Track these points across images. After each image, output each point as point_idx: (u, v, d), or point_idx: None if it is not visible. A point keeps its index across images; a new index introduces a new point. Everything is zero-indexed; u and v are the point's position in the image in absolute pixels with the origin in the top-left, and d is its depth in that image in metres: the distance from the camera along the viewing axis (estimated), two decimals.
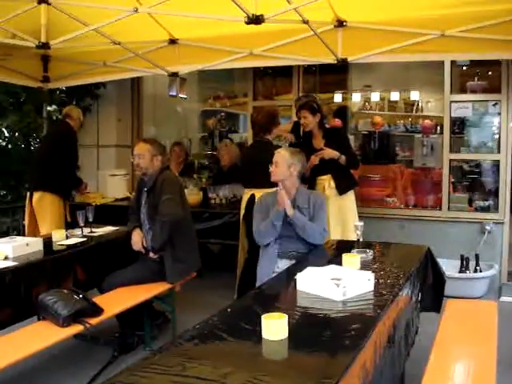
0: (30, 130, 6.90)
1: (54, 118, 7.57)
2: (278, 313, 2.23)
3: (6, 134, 7.44)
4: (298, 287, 2.83)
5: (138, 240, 4.44)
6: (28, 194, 5.82)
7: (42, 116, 6.93)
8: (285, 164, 3.97)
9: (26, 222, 5.90)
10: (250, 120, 5.74)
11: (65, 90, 7.49)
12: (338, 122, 7.18)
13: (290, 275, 3.11)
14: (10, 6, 4.39)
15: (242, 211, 5.18)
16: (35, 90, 6.69)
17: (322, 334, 2.23)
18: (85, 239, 4.53)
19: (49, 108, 7.14)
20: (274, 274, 3.70)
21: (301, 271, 2.91)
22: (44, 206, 5.66)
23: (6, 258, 3.83)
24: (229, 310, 2.58)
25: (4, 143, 7.53)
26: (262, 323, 2.16)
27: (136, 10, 4.15)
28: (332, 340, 2.19)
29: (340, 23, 4.95)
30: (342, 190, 5.09)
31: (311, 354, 2.07)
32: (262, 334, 2.15)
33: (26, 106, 7.01)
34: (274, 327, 2.14)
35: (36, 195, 5.69)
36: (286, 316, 2.18)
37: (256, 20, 3.82)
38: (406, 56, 5.08)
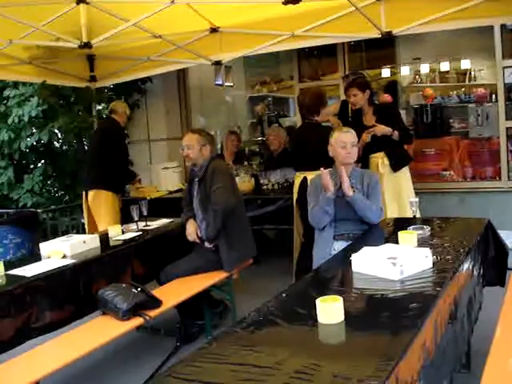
0: (81, 130, 7.00)
1: (104, 116, 7.68)
2: (333, 295, 2.19)
3: (60, 136, 7.58)
4: (354, 268, 2.77)
5: (192, 230, 4.46)
6: (83, 193, 5.93)
7: (92, 115, 7.05)
8: (356, 146, 3.93)
9: (85, 221, 6.03)
10: (296, 103, 5.66)
11: (112, 87, 7.58)
12: (388, 98, 7.02)
13: (345, 256, 3.04)
14: (50, 9, 4.47)
15: (295, 195, 5.12)
16: (83, 90, 6.80)
17: (379, 315, 2.17)
18: (140, 233, 4.58)
19: (98, 107, 7.26)
20: (330, 257, 3.64)
21: (356, 252, 2.85)
22: (99, 203, 5.74)
23: (64, 257, 3.90)
24: (284, 295, 2.55)
25: (58, 145, 7.69)
26: (317, 307, 2.12)
27: (172, 1, 4.14)
28: (390, 321, 2.12)
29: None
30: (396, 166, 4.97)
31: (369, 336, 2.02)
32: (318, 317, 2.11)
33: (76, 107, 7.13)
34: (330, 310, 2.09)
35: (91, 194, 5.78)
36: (341, 299, 2.13)
37: None
38: (453, 23, 4.89)
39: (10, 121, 7.08)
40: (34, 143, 7.30)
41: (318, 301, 2.13)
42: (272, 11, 5.07)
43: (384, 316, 2.16)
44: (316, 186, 4.03)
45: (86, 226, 6.04)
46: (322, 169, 3.87)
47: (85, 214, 5.98)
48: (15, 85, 7.15)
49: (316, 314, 2.12)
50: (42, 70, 6.14)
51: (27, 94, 7.01)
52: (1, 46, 5.10)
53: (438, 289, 2.41)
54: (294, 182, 5.28)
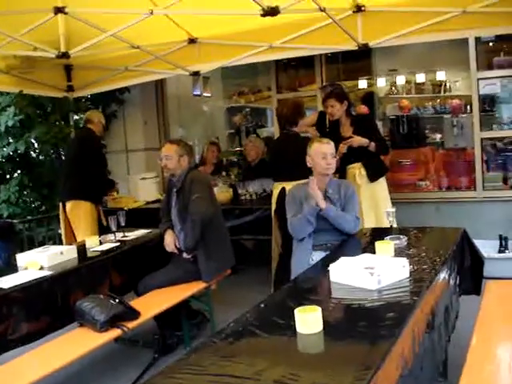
0: (58, 140, 6.95)
1: (81, 126, 7.64)
2: (312, 306, 2.20)
3: (36, 146, 7.52)
4: (332, 278, 2.78)
5: (170, 241, 4.45)
6: (60, 203, 5.87)
7: (70, 125, 7.00)
8: (333, 154, 3.97)
9: (62, 232, 5.97)
10: (275, 114, 5.69)
11: (90, 97, 7.55)
12: (364, 109, 7.07)
13: (323, 266, 3.07)
14: (27, 19, 4.44)
15: (274, 205, 5.14)
16: (61, 99, 6.76)
17: (357, 324, 2.19)
18: (118, 244, 4.55)
19: (75, 117, 7.22)
20: (309, 267, 3.66)
21: (334, 262, 2.87)
22: (77, 214, 5.69)
23: (41, 268, 3.87)
24: (262, 305, 2.56)
25: (35, 155, 7.62)
26: (296, 317, 2.13)
27: (151, 13, 4.16)
28: (368, 330, 2.14)
29: (358, 8, 4.90)
30: (373, 177, 5.01)
31: (347, 345, 2.04)
32: (296, 327, 2.12)
33: (53, 116, 7.07)
34: (308, 320, 2.11)
35: (68, 204, 5.72)
36: (320, 309, 2.14)
37: (271, 11, 3.80)
38: (428, 36, 4.97)
39: None
40: (11, 153, 7.21)
41: (296, 311, 2.14)
42: (250, 23, 5.12)
43: (362, 325, 2.18)
44: (294, 196, 4.06)
45: (62, 237, 5.98)
46: (311, 177, 3.90)
47: (62, 225, 5.93)
48: None
49: (295, 324, 2.13)
50: (19, 80, 6.09)
51: (4, 104, 6.94)
52: None
53: (415, 298, 2.44)
54: (272, 192, 5.30)
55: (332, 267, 2.81)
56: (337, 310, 2.43)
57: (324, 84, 6.86)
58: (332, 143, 4.01)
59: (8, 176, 7.54)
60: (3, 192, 7.22)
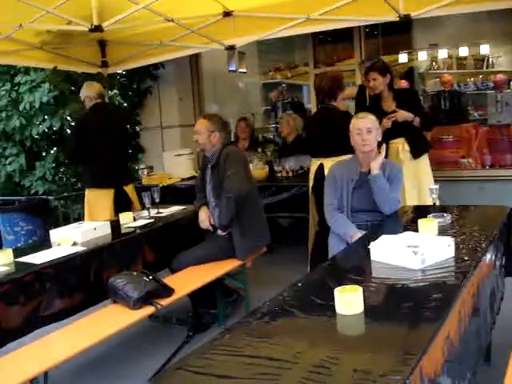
0: None
1: (116, 102, 7.61)
2: (352, 285, 2.09)
3: (72, 124, 7.52)
4: (373, 257, 2.66)
5: (204, 218, 4.38)
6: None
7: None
8: (374, 130, 3.78)
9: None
10: (313, 87, 5.51)
11: (124, 73, 7.49)
12: (404, 84, 6.88)
13: (363, 245, 2.94)
14: None
15: (311, 182, 4.99)
16: (95, 75, 6.72)
17: (400, 305, 2.06)
18: (152, 220, 4.49)
19: (110, 93, 7.16)
20: (347, 246, 3.54)
21: (375, 240, 2.74)
22: (90, 201, 5.30)
23: (74, 244, 3.83)
24: (299, 284, 2.45)
25: (69, 131, 7.63)
26: (336, 297, 2.02)
27: None
28: (412, 312, 2.01)
29: None
30: (416, 153, 4.81)
31: (390, 327, 1.92)
32: (336, 308, 2.01)
33: None
34: (348, 301, 1.99)
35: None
36: (361, 288, 2.03)
37: None
38: (474, 6, 4.73)
39: (21, 107, 7.02)
40: (46, 130, 7.23)
41: (336, 291, 2.03)
42: None
43: (405, 307, 2.06)
44: (334, 177, 3.91)
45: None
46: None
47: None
48: (26, 71, 7.08)
49: (334, 305, 2.02)
50: (53, 56, 6.05)
51: (38, 80, 6.95)
52: (11, 30, 5.01)
53: (461, 278, 2.30)
54: (309, 169, 5.16)
55: (373, 245, 2.69)
56: (378, 290, 2.30)
57: (363, 59, 6.66)
58: (370, 117, 3.82)
59: (44, 153, 7.57)
60: (39, 169, 7.26)
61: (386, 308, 2.13)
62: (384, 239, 2.74)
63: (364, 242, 2.99)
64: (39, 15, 4.60)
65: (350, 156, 4.01)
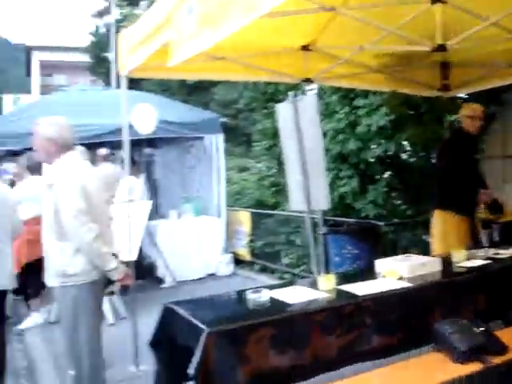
0: (429, 142, 6.63)
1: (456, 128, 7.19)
2: None
3: (408, 148, 7.35)
4: None
5: None
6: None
7: (443, 126, 6.60)
8: None
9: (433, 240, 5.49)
10: None
11: (467, 97, 7.01)
12: None
13: None
14: (401, 10, 4.18)
15: None
16: (434, 99, 6.42)
17: None
18: (488, 262, 3.99)
19: (450, 118, 6.77)
20: None
21: None
22: (434, 223, 5.33)
23: (400, 278, 3.58)
24: None
25: (405, 156, 7.45)
26: None
27: None
28: None
29: None
30: None
31: None
32: None
33: (426, 117, 6.77)
34: None
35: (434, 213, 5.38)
36: None
37: None
38: None
39: (358, 130, 7.08)
40: (381, 154, 7.17)
41: None
42: None
43: None
44: None
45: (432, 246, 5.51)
46: None
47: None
48: (365, 94, 7.13)
49: None
50: (390, 79, 5.94)
51: (376, 104, 6.93)
52: (350, 53, 5.01)
53: None
54: None
55: None
56: None
57: None
58: None
59: (377, 177, 7.53)
60: (371, 192, 7.22)
61: None
62: None
63: None
64: (380, 36, 4.49)
65: None
